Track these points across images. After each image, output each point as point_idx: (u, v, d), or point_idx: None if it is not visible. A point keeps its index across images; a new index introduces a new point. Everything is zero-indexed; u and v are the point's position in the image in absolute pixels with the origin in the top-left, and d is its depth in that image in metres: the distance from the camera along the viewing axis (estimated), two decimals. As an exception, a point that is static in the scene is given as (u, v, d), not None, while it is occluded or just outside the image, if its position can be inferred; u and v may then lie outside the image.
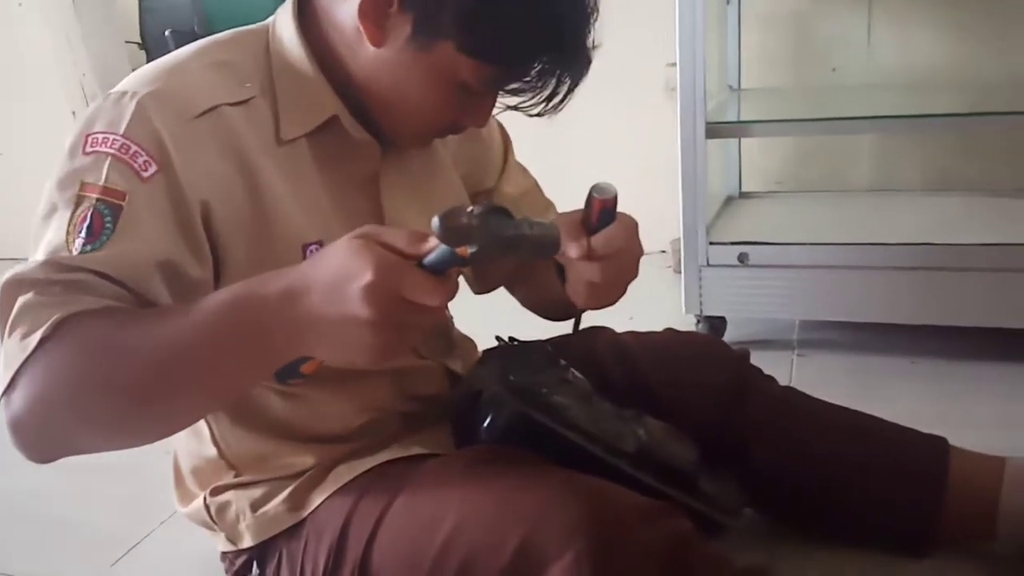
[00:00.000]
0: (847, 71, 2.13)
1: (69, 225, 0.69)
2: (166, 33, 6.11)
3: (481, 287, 1.08)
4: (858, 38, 2.10)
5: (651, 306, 1.66)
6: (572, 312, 0.92)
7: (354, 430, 0.89)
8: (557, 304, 0.92)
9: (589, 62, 0.79)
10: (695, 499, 0.91)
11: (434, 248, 0.63)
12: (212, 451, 0.89)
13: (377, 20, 0.75)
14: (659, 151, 1.94)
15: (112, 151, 0.71)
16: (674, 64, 1.63)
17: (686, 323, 1.76)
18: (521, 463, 0.80)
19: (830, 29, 2.15)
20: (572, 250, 0.79)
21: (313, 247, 0.80)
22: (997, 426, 1.37)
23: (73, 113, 3.07)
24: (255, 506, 0.87)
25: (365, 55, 0.78)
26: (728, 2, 2.05)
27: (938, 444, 1.03)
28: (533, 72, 0.77)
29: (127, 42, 4.47)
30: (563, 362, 0.98)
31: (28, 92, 3.12)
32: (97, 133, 0.72)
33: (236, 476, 0.89)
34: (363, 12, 0.75)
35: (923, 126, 1.77)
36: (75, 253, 0.68)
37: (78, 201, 0.70)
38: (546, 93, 0.79)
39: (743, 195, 2.20)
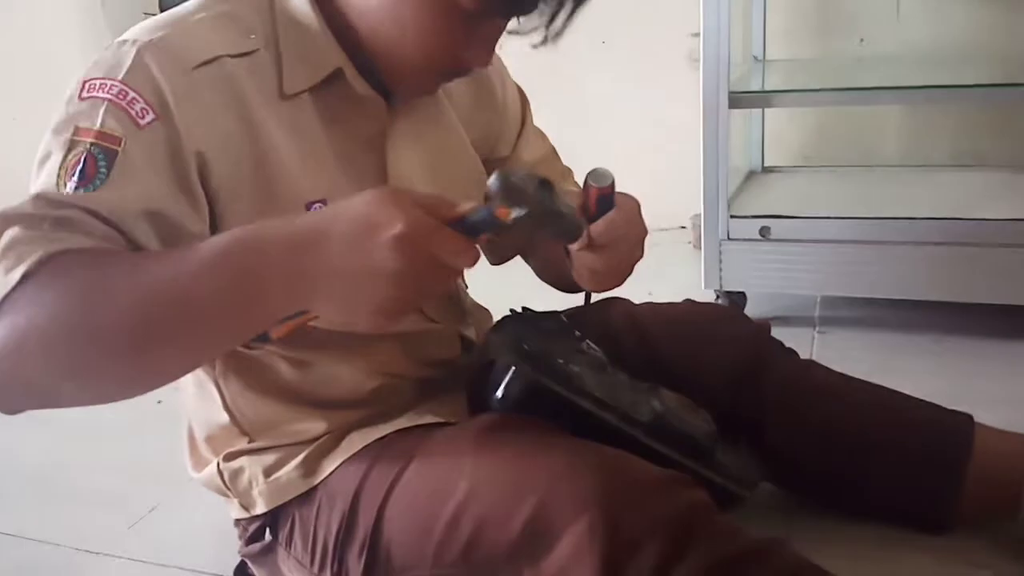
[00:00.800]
0: (875, 42, 2.08)
1: (61, 168, 0.67)
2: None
3: (496, 258, 1.07)
4: (887, 7, 2.05)
5: (670, 281, 1.64)
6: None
7: (365, 396, 0.88)
8: (569, 279, 0.91)
9: None
10: (711, 470, 0.90)
11: (467, 212, 0.62)
12: (224, 417, 0.88)
13: None
14: (680, 125, 1.91)
15: (109, 96, 0.69)
16: (697, 34, 1.60)
17: (705, 298, 1.73)
18: (534, 431, 0.80)
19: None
20: None
21: (317, 206, 0.78)
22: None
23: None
24: (268, 472, 0.87)
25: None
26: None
27: (962, 420, 1.00)
28: None
29: (145, 13, 4.47)
30: (577, 332, 0.96)
31: (49, 65, 3.13)
32: (95, 79, 0.71)
33: (249, 442, 0.88)
34: None
35: (952, 97, 1.73)
36: (67, 193, 0.66)
37: (71, 145, 0.68)
38: (547, 16, 0.76)
39: (766, 169, 2.16)
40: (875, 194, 1.89)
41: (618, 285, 0.87)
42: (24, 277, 0.61)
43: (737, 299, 1.75)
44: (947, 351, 1.58)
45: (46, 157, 0.70)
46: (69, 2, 3.02)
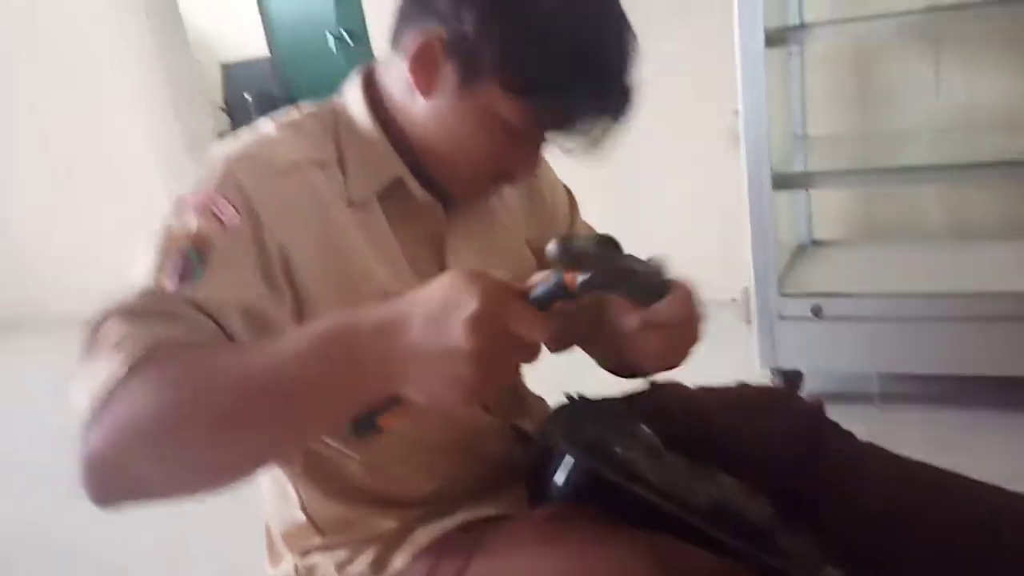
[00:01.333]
0: (915, 114, 2.10)
1: (158, 270, 0.73)
2: (247, 96, 6.44)
3: (558, 345, 1.09)
4: (926, 80, 2.07)
5: (723, 358, 1.63)
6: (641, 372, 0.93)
7: (428, 495, 0.90)
8: (629, 363, 0.92)
9: (630, 100, 0.81)
10: (773, 557, 0.89)
11: (536, 284, 0.64)
12: (301, 517, 0.91)
13: (426, 70, 0.79)
14: (726, 198, 1.93)
15: (200, 203, 0.76)
16: (738, 112, 1.63)
17: (760, 375, 1.73)
18: (592, 524, 0.80)
19: (896, 72, 2.12)
20: (630, 322, 0.80)
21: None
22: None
23: (163, 176, 3.24)
24: (340, 567, 0.89)
25: (418, 110, 0.83)
26: (790, 52, 2.05)
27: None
28: (573, 110, 0.80)
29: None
30: (633, 418, 0.98)
31: (119, 160, 3.30)
32: (189, 193, 0.78)
33: (323, 538, 0.91)
34: (412, 65, 0.80)
35: (993, 175, 1.72)
36: (168, 289, 0.71)
37: (167, 249, 0.74)
38: (587, 132, 0.81)
39: (815, 243, 2.16)
40: (925, 267, 1.87)
41: (676, 367, 0.88)
42: (130, 370, 0.65)
43: (793, 377, 1.74)
44: (1011, 426, 1.55)
45: (144, 261, 0.75)
46: (140, 111, 3.19)
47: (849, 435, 1.08)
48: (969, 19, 1.78)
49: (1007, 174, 1.75)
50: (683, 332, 0.84)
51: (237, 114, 6.44)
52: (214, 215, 0.75)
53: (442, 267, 0.90)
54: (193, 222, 0.75)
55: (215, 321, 0.72)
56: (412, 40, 0.79)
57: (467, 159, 0.84)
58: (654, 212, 2.47)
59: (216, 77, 6.46)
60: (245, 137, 0.83)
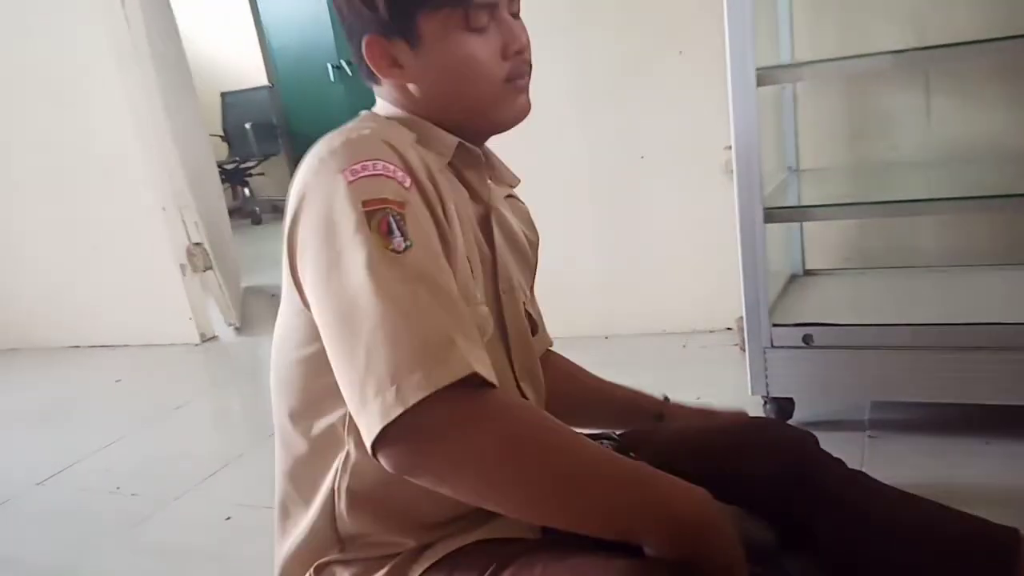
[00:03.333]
0: (907, 147, 2.15)
1: (373, 235, 0.72)
2: (247, 126, 6.52)
3: None
4: (917, 113, 2.12)
5: (718, 385, 1.67)
6: None
7: (450, 518, 0.93)
8: None
9: None
10: None
11: None
12: (323, 523, 0.93)
13: (387, 61, 0.88)
14: (721, 228, 1.98)
15: (378, 172, 0.76)
16: (730, 148, 1.68)
17: (753, 403, 1.77)
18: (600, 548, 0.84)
19: (887, 105, 2.17)
20: None
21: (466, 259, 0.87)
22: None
23: (163, 208, 3.28)
24: None
25: (415, 94, 0.91)
26: (783, 87, 2.11)
27: (1008, 536, 1.01)
28: None
29: (210, 135, 4.74)
30: (631, 454, 1.01)
31: (120, 189, 3.34)
32: (354, 165, 0.76)
33: (341, 551, 0.94)
34: (378, 68, 0.89)
35: (988, 206, 1.77)
36: (401, 251, 0.72)
37: (368, 216, 0.73)
38: None
39: (807, 272, 2.21)
40: (916, 297, 1.92)
41: None
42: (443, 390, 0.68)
43: (785, 404, 1.78)
44: (997, 453, 1.58)
45: (341, 247, 0.73)
46: (140, 139, 3.24)
47: (839, 462, 1.12)
48: (959, 56, 1.83)
49: (997, 206, 1.78)
50: None
51: (236, 142, 6.51)
52: (395, 180, 0.76)
53: (490, 241, 0.97)
54: (379, 188, 0.75)
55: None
56: (365, 58, 0.88)
57: (475, 81, 0.89)
58: (653, 243, 2.52)
59: (215, 106, 6.53)
60: (349, 128, 0.85)
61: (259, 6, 6.47)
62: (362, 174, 0.75)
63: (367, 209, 0.73)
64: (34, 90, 3.35)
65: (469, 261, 0.88)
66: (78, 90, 3.26)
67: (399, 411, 0.67)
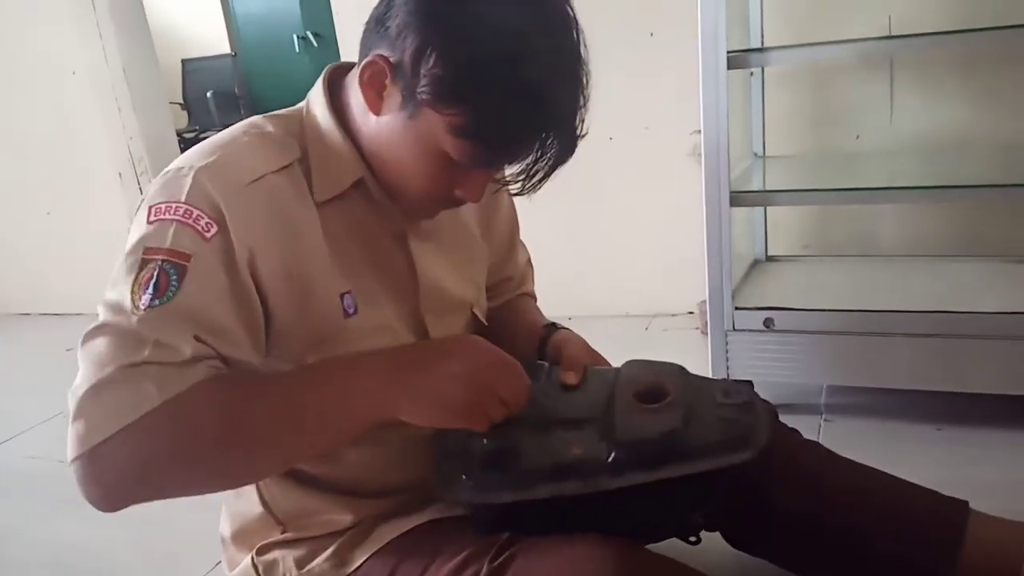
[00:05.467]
0: (871, 137, 2.18)
1: (134, 285, 0.75)
2: (208, 95, 6.37)
3: None
4: (881, 105, 2.15)
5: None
6: None
7: (392, 488, 0.92)
8: None
9: (574, 147, 0.81)
10: (700, 460, 0.81)
11: None
12: (259, 509, 0.93)
13: (376, 89, 0.81)
14: (685, 216, 1.98)
15: (176, 217, 0.77)
16: (699, 131, 1.68)
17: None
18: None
19: (853, 95, 2.20)
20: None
21: (347, 296, 0.86)
22: (1023, 493, 1.37)
23: (120, 175, 3.20)
24: (301, 563, 0.91)
25: (371, 124, 0.85)
26: (752, 72, 2.11)
27: (957, 507, 1.04)
28: (513, 154, 0.81)
29: (170, 103, 4.62)
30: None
31: (77, 155, 3.25)
32: (160, 204, 0.78)
33: (283, 532, 0.92)
34: (363, 82, 0.82)
35: (947, 196, 1.80)
36: (141, 308, 0.73)
37: (142, 264, 0.76)
38: (525, 175, 0.82)
39: (770, 258, 2.23)
40: (875, 285, 1.95)
41: None
42: (171, 397, 0.72)
43: (744, 387, 1.80)
44: (947, 439, 1.62)
45: (116, 281, 0.77)
46: (100, 108, 3.15)
47: (795, 432, 1.14)
48: (924, 46, 1.85)
49: (957, 197, 1.82)
50: None
51: (196, 111, 6.37)
52: (191, 227, 0.77)
53: (411, 264, 0.94)
54: (169, 237, 0.76)
55: (200, 338, 0.76)
56: (366, 61, 0.81)
57: (413, 180, 0.85)
58: (617, 225, 2.52)
59: (176, 73, 6.37)
60: (212, 145, 0.84)
61: (224, -28, 6.32)
62: (162, 216, 0.78)
63: (145, 256, 0.76)
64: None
65: (357, 294, 0.87)
66: (35, 52, 3.16)
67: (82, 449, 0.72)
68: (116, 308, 0.75)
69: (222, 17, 6.55)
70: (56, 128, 3.24)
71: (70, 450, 0.72)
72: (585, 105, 0.80)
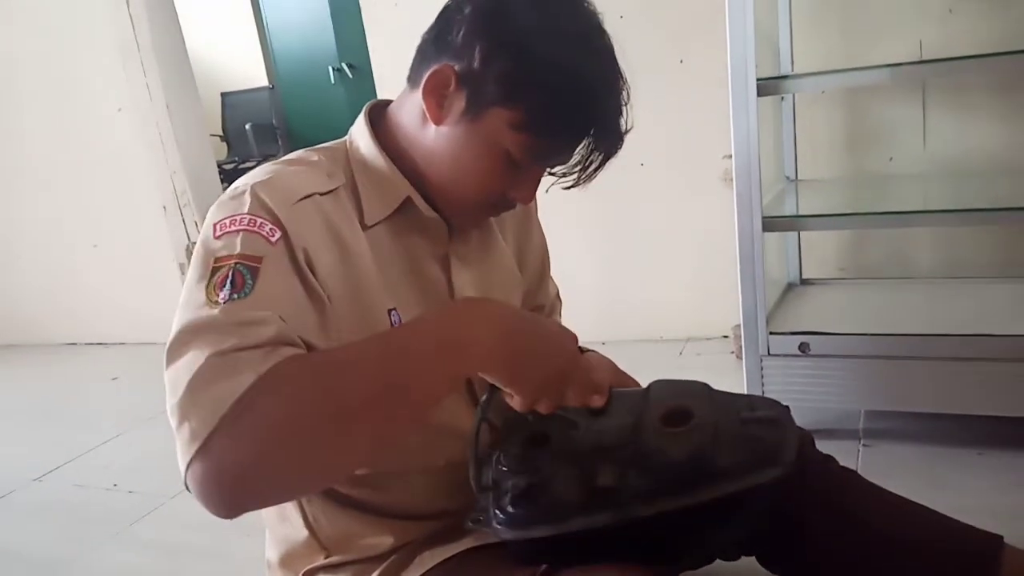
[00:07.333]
0: (903, 160, 2.17)
1: (208, 287, 0.75)
2: (246, 126, 6.51)
3: None
4: (914, 127, 2.14)
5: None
6: None
7: (434, 512, 0.94)
8: None
9: (622, 139, 0.89)
10: (730, 482, 0.80)
11: None
12: (304, 533, 0.95)
13: (438, 98, 0.87)
14: (718, 237, 1.99)
15: (243, 227, 0.79)
16: (730, 156, 1.69)
17: (749, 410, 1.78)
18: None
19: (885, 118, 2.20)
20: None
21: (393, 312, 0.90)
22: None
23: (164, 208, 3.29)
24: None
25: (427, 137, 0.90)
26: (783, 97, 2.13)
27: (991, 542, 1.03)
28: (569, 147, 0.89)
29: (210, 135, 4.73)
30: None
31: (123, 189, 3.35)
32: (224, 219, 0.81)
33: (327, 557, 0.95)
34: (426, 91, 0.87)
35: (981, 218, 1.79)
36: (221, 302, 0.73)
37: (214, 271, 0.76)
38: (580, 167, 0.90)
39: (804, 282, 2.22)
40: (911, 308, 1.93)
41: None
42: (256, 382, 0.68)
43: (780, 412, 1.79)
44: (989, 464, 1.60)
45: (189, 293, 0.77)
46: (140, 131, 3.25)
47: (831, 459, 1.14)
48: (957, 70, 1.85)
49: (992, 219, 1.80)
50: None
51: (235, 143, 6.51)
52: (257, 233, 0.79)
53: (448, 284, 0.97)
54: (238, 245, 0.78)
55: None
56: (429, 72, 0.86)
57: (470, 184, 0.91)
58: (651, 250, 2.54)
59: (216, 106, 6.53)
60: (262, 169, 0.89)
61: (262, 6, 6.48)
62: (227, 229, 0.80)
63: (216, 264, 0.77)
64: (37, 86, 3.36)
65: (402, 312, 0.90)
66: (81, 87, 3.28)
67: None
68: (193, 311, 0.74)
69: (260, 50, 6.71)
70: (103, 163, 3.34)
71: (181, 459, 0.68)
72: (628, 102, 0.88)
